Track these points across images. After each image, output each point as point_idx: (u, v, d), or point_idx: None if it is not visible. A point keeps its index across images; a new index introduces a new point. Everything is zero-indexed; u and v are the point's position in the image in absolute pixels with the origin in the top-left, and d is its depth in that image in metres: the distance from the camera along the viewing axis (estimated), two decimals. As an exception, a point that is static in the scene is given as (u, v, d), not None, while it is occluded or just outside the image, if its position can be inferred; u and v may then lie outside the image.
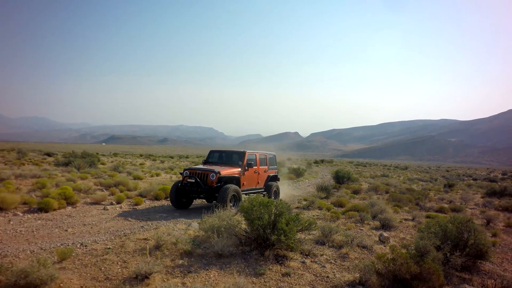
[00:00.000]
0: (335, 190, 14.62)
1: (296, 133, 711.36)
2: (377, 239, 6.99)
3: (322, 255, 5.57)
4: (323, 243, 6.16)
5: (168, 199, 10.24)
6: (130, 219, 7.60)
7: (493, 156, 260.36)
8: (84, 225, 6.83)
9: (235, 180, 9.37)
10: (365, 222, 8.48)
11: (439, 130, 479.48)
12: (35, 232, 6.08)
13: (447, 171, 61.83)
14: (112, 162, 28.20)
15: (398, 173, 40.76)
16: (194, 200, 9.95)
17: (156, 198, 10.64)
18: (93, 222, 7.08)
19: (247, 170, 9.79)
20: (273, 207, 5.18)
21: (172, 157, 50.82)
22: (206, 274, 4.44)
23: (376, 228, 8.06)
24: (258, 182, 10.58)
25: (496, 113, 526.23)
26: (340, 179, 17.98)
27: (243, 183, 9.72)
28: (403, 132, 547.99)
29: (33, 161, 23.96)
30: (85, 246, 5.16)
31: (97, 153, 41.23)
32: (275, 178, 11.55)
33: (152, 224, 7.05)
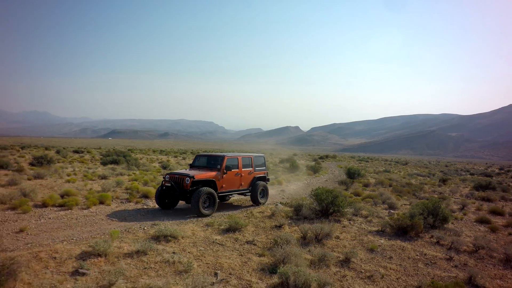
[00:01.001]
0: (350, 184, 18.87)
1: (297, 128, 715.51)
2: (387, 213, 11.26)
3: (357, 220, 9.83)
4: (356, 215, 10.41)
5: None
6: (240, 204, 11.95)
7: (493, 150, 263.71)
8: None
9: (212, 183, 10.01)
10: (378, 205, 12.76)
11: (440, 125, 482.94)
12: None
13: (446, 166, 65.05)
14: (144, 159, 32.35)
15: (399, 168, 44.57)
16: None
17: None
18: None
19: (226, 173, 10.35)
20: (332, 193, 9.44)
21: (185, 152, 54.35)
22: (304, 225, 8.70)
23: (386, 209, 12.30)
24: (241, 184, 11.13)
25: (497, 108, 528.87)
26: (352, 175, 22.24)
27: (222, 186, 10.33)
28: (404, 127, 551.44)
29: (79, 160, 26.81)
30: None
31: (129, 150, 45.22)
32: (263, 179, 12.06)
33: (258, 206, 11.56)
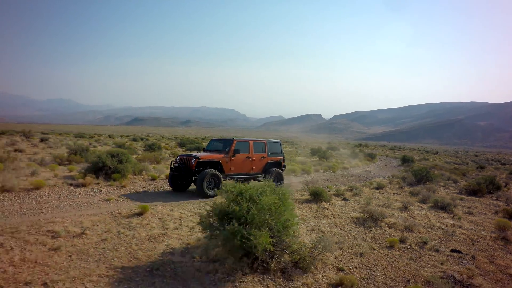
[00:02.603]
0: (411, 166, 23.62)
1: (319, 115, 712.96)
2: (455, 184, 16.13)
3: (440, 186, 14.74)
4: (438, 183, 15.33)
5: None
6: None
7: None
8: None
9: (218, 165, 10.15)
10: (444, 180, 17.61)
11: (467, 113, 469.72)
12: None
13: (476, 155, 66.01)
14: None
15: (433, 158, 48.16)
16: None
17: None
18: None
19: (234, 156, 10.48)
20: (425, 169, 14.40)
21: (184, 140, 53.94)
22: (417, 187, 13.65)
23: (453, 182, 17.09)
24: (252, 168, 11.20)
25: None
26: (406, 161, 27.10)
27: (230, 168, 10.48)
28: (429, 115, 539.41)
29: (164, 147, 28.92)
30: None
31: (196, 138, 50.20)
32: (277, 165, 12.00)
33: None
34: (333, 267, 5.68)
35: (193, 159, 9.76)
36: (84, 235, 5.87)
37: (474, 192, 13.32)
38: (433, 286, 5.36)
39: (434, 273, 5.85)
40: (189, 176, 9.92)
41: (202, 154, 10.22)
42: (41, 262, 4.76)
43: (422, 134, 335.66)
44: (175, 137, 60.93)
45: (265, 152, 11.61)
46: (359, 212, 9.04)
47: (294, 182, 13.91)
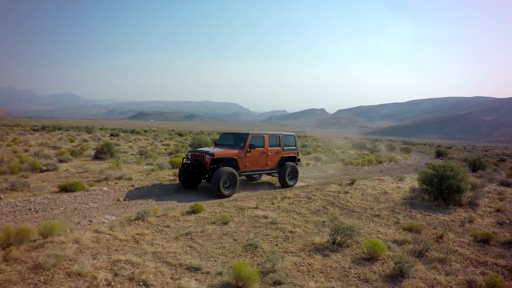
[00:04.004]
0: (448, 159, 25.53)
1: (323, 110, 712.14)
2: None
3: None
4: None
5: None
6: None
7: None
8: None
9: (234, 162, 9.57)
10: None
11: (472, 108, 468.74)
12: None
13: (486, 150, 66.03)
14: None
15: (451, 152, 49.99)
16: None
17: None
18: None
19: (250, 151, 9.89)
20: (479, 160, 16.35)
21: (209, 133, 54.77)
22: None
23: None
24: (267, 164, 10.59)
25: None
26: (440, 154, 29.21)
27: (245, 165, 9.88)
28: (434, 110, 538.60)
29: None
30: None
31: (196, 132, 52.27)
32: (292, 159, 11.45)
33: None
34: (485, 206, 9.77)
35: (207, 155, 9.13)
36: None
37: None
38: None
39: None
40: (202, 173, 9.17)
41: (216, 150, 9.53)
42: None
43: (427, 129, 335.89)
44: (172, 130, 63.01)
45: (279, 146, 11.02)
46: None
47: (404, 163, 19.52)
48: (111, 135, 31.62)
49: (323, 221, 7.30)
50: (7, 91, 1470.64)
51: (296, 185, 11.51)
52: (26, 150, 15.58)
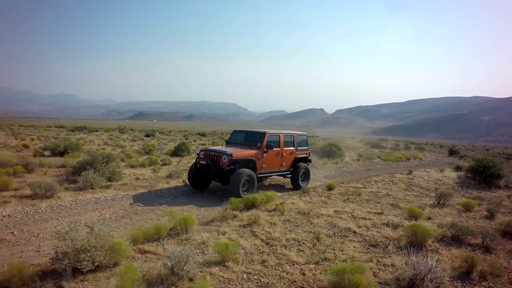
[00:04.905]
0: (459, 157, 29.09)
1: (322, 110, 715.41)
2: None
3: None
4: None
5: None
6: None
7: None
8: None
9: (251, 163, 9.18)
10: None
11: (471, 108, 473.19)
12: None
13: (487, 150, 67.51)
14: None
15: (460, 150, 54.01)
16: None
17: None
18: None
19: (267, 152, 9.49)
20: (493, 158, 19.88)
21: (228, 133, 55.75)
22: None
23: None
24: (282, 165, 10.20)
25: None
26: (453, 153, 32.77)
27: (262, 166, 9.46)
28: (433, 110, 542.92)
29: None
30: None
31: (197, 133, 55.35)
32: (304, 160, 11.12)
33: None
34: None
35: (224, 156, 8.67)
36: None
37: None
38: None
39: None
40: (219, 175, 8.76)
41: (233, 150, 9.02)
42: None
43: (426, 128, 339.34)
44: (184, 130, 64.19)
45: (293, 146, 10.63)
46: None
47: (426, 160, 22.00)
48: (147, 135, 34.14)
49: (419, 192, 10.94)
50: (6, 91, 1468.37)
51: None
52: (117, 149, 18.96)
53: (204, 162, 8.91)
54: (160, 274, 3.91)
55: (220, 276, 4.18)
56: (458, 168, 17.84)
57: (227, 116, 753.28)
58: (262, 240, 5.57)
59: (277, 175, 10.26)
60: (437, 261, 4.68)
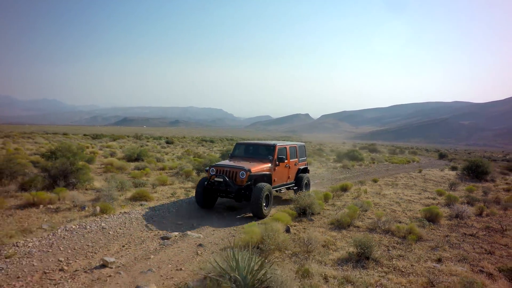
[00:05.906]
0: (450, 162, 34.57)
1: (307, 115, 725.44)
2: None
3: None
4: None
5: None
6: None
7: (508, 139, 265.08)
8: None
9: (266, 178, 8.85)
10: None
11: (452, 113, 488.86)
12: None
13: (469, 153, 71.45)
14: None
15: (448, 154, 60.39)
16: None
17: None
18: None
19: (278, 165, 9.30)
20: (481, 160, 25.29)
21: (232, 139, 58.47)
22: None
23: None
24: (288, 177, 10.05)
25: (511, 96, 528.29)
26: (442, 156, 38.41)
27: (274, 180, 9.17)
28: (416, 115, 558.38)
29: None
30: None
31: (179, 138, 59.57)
32: (305, 171, 11.10)
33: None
34: (499, 180, 16.58)
35: (242, 171, 8.34)
36: None
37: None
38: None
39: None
40: (237, 192, 8.31)
41: (250, 165, 8.67)
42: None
43: (410, 133, 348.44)
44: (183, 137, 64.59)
45: (296, 157, 10.55)
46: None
47: (423, 162, 26.32)
48: (167, 142, 37.93)
49: (434, 183, 15.94)
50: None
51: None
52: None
53: (221, 179, 8.39)
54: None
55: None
56: (454, 168, 23.05)
57: (212, 122, 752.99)
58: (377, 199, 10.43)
59: (285, 188, 10.12)
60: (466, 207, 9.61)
